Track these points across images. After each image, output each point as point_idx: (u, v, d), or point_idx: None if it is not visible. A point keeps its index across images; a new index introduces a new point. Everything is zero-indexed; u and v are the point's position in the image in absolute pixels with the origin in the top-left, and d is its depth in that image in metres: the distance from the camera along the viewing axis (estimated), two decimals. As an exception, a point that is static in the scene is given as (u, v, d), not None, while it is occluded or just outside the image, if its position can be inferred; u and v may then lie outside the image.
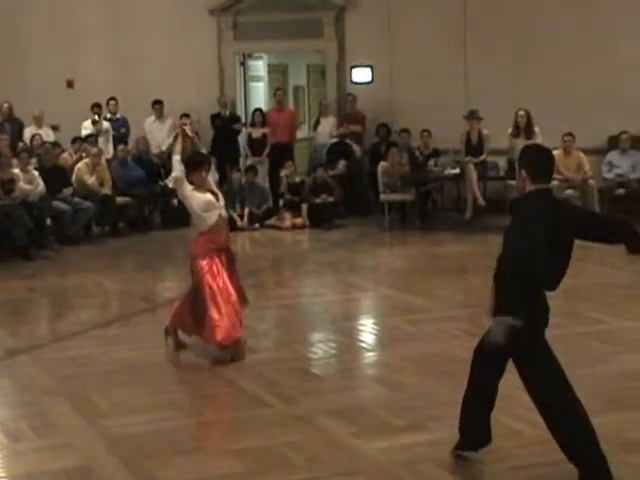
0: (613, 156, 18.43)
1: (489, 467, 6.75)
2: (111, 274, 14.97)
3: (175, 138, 12.68)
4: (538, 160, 6.52)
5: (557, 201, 6.65)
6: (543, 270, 6.16)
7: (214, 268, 9.64)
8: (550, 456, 6.92)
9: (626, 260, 15.09)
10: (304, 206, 19.02)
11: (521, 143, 18.07)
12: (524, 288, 6.09)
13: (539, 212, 6.22)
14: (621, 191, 18.20)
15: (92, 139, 19.04)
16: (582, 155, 18.24)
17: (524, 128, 18.27)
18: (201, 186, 9.75)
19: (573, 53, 18.84)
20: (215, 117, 20.84)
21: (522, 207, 6.36)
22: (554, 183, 17.95)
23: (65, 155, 19.04)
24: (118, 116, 20.67)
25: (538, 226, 6.12)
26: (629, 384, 8.58)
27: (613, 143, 18.64)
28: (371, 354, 10.26)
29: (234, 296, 9.68)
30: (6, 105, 20.06)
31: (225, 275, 9.69)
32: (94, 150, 18.35)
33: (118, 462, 7.07)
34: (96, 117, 20.01)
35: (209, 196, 9.73)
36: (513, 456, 6.93)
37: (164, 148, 20.54)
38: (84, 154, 18.43)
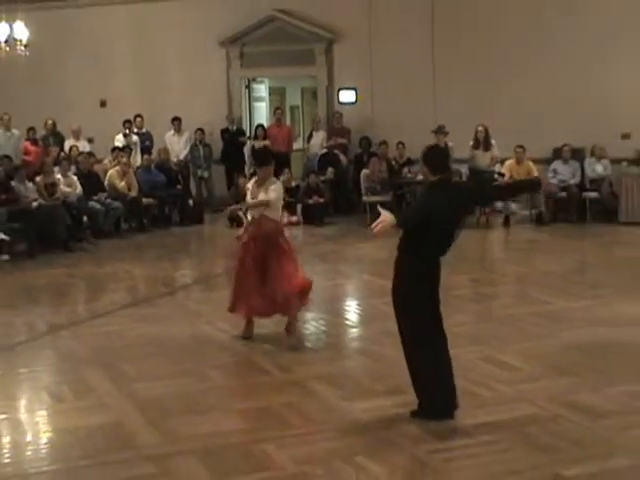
0: (557, 165, 18.43)
1: (453, 424, 6.76)
2: (137, 263, 14.99)
3: None
4: (435, 158, 7.02)
5: (453, 185, 7.33)
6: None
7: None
8: (505, 414, 6.97)
9: (568, 250, 15.22)
10: (299, 206, 19.01)
11: (480, 154, 18.26)
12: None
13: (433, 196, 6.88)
14: (563, 194, 18.22)
15: (127, 150, 19.10)
16: (531, 164, 18.24)
17: (483, 141, 18.30)
18: (264, 180, 9.39)
19: (524, 78, 18.84)
20: (224, 131, 20.87)
21: (425, 191, 7.24)
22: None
23: (106, 161, 19.11)
24: (144, 130, 20.66)
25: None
26: (571, 354, 8.60)
27: (557, 154, 18.65)
28: (355, 330, 10.27)
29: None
30: (50, 122, 20.12)
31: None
32: (124, 160, 18.38)
33: (143, 419, 7.10)
34: (127, 131, 20.06)
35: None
36: (473, 415, 6.94)
37: (182, 157, 20.62)
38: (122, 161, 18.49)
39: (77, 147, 19.33)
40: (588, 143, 18.43)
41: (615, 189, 18.11)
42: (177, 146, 20.76)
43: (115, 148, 19.24)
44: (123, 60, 21.96)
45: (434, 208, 6.74)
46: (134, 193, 18.28)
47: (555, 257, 14.74)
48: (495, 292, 12.49)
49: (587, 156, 18.54)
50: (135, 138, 20.16)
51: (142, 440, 6.69)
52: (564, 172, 18.29)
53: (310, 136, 21.08)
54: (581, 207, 18.21)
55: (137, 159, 19.83)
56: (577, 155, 18.53)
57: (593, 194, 18.19)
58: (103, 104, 22.13)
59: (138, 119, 20.57)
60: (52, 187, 16.45)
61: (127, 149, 19.19)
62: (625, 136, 18.46)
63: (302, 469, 6.00)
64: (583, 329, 9.59)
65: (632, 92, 18.19)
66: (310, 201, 18.73)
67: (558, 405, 7.13)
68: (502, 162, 18.43)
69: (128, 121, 20.22)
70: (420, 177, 18.41)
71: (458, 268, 13.68)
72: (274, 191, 9.30)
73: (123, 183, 18.19)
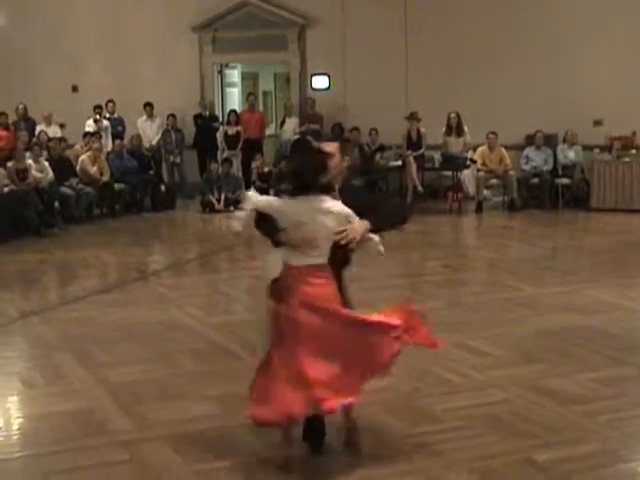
0: (529, 151, 18.53)
1: (424, 410, 6.79)
2: (109, 248, 14.93)
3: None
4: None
5: None
6: None
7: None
8: (476, 400, 7.00)
9: (540, 237, 15.30)
10: (272, 192, 18.98)
11: (453, 140, 18.33)
12: None
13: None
14: (535, 180, 18.32)
15: (98, 135, 19.03)
16: (503, 150, 18.35)
17: (455, 127, 18.37)
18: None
19: (496, 65, 18.92)
20: (197, 117, 20.83)
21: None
22: (480, 174, 18.33)
23: (77, 147, 19.02)
24: (115, 116, 20.63)
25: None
26: (541, 341, 8.66)
27: (529, 140, 18.74)
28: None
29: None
30: (21, 107, 20.03)
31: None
32: (95, 145, 18.34)
33: (115, 405, 7.08)
34: (97, 116, 19.99)
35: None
36: (444, 400, 6.97)
37: (154, 143, 20.59)
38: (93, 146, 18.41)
39: (46, 132, 19.21)
40: (560, 129, 18.52)
41: (587, 176, 18.23)
42: (149, 131, 20.74)
43: (87, 133, 19.17)
44: (95, 45, 21.86)
45: None
46: (106, 178, 18.23)
47: (527, 243, 14.81)
48: (466, 278, 12.54)
49: (559, 142, 18.65)
50: (106, 123, 20.12)
51: (114, 426, 6.67)
52: (536, 158, 18.38)
53: (283, 122, 21.06)
54: (553, 194, 18.31)
55: (108, 144, 19.78)
56: (549, 141, 18.63)
57: (565, 180, 18.29)
58: (75, 89, 22.03)
59: (110, 104, 20.53)
60: (23, 172, 16.36)
61: (98, 134, 19.13)
62: (597, 123, 18.56)
63: (274, 454, 6.00)
64: (554, 315, 9.66)
65: (604, 79, 18.28)
66: (283, 186, 18.68)
67: (529, 391, 7.17)
68: (474, 148, 18.52)
69: (99, 106, 20.17)
70: (393, 163, 18.54)
71: (430, 254, 13.78)
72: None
73: (95, 168, 18.14)
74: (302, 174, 5.68)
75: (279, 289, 5.76)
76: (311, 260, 5.70)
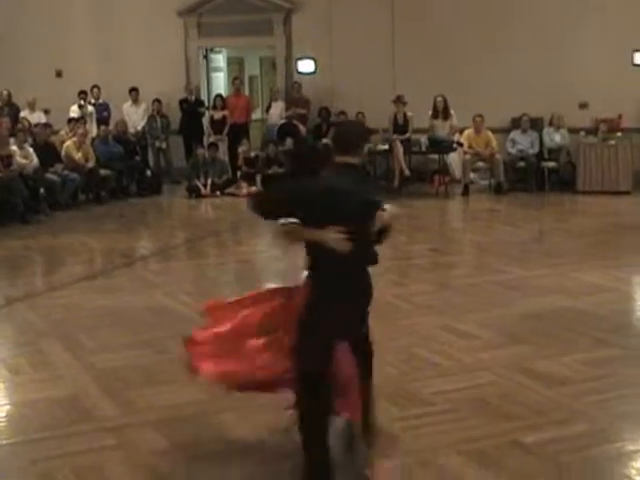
0: (515, 134, 18.53)
1: (412, 393, 6.79)
2: (95, 235, 14.87)
3: None
4: (343, 134, 5.46)
5: (360, 177, 5.61)
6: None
7: None
8: (463, 383, 7.01)
9: (526, 219, 15.32)
10: (258, 177, 18.98)
11: (439, 123, 18.31)
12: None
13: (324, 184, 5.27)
14: (522, 164, 18.33)
15: (82, 120, 18.94)
16: (490, 133, 18.35)
17: (442, 111, 18.34)
18: None
19: (482, 49, 18.85)
20: (183, 102, 20.73)
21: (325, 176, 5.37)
22: (467, 157, 18.31)
23: (62, 133, 18.91)
24: (101, 101, 20.52)
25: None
26: (528, 322, 8.68)
27: (515, 124, 18.75)
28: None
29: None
30: (5, 92, 19.91)
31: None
32: (80, 130, 18.26)
33: (102, 391, 7.08)
34: (82, 102, 19.90)
35: None
36: (432, 383, 6.98)
37: (139, 128, 20.51)
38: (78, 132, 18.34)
39: (27, 119, 19.09)
40: (546, 113, 18.53)
41: (573, 158, 18.26)
42: (135, 117, 20.65)
43: (71, 119, 19.10)
44: (80, 29, 21.70)
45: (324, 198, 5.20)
46: (91, 164, 18.15)
47: (513, 226, 14.84)
48: (454, 261, 12.55)
49: (545, 126, 18.66)
50: (90, 109, 20.03)
51: (101, 412, 6.67)
52: (523, 142, 18.39)
53: (269, 106, 21.01)
54: (539, 177, 18.33)
55: (93, 130, 19.70)
56: (535, 125, 18.64)
57: (551, 164, 18.32)
58: (59, 74, 21.88)
59: (95, 90, 20.43)
60: (8, 159, 16.28)
61: (82, 120, 19.04)
62: (583, 105, 18.56)
63: (261, 437, 6.01)
64: (540, 297, 9.68)
65: (589, 61, 18.27)
66: (269, 171, 18.69)
67: (516, 373, 7.19)
68: (461, 132, 18.51)
69: (83, 92, 20.05)
70: (380, 147, 18.52)
71: (417, 237, 13.79)
72: None
73: (80, 154, 18.06)
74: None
75: None
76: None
